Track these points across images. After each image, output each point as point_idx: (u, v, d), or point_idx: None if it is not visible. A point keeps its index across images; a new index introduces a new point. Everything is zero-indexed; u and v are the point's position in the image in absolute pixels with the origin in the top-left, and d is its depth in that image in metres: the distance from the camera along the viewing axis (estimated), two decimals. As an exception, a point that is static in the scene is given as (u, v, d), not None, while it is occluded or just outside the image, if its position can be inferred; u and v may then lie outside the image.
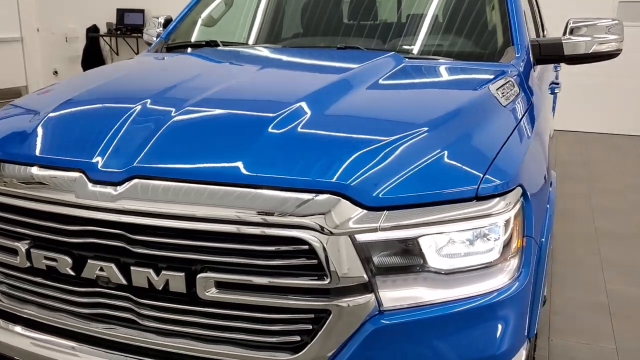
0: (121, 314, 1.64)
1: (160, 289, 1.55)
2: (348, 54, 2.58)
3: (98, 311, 1.66)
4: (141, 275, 1.55)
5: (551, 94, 3.34)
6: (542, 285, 1.85)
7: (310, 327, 1.52)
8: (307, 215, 1.46)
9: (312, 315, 1.51)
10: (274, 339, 1.55)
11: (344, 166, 1.53)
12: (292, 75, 2.37)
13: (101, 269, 1.58)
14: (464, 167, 1.61)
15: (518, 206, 1.65)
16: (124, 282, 1.57)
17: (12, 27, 9.62)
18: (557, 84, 3.54)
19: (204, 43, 2.86)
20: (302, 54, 2.68)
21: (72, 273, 1.63)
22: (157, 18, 3.41)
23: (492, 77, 2.27)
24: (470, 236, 1.58)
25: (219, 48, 2.76)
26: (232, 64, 2.46)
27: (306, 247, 1.46)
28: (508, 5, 2.71)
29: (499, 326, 1.62)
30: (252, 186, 1.50)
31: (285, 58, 2.59)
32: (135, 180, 1.55)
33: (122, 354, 1.66)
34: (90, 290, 1.65)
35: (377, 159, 1.57)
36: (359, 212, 1.48)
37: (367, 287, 1.50)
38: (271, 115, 1.72)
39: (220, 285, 1.53)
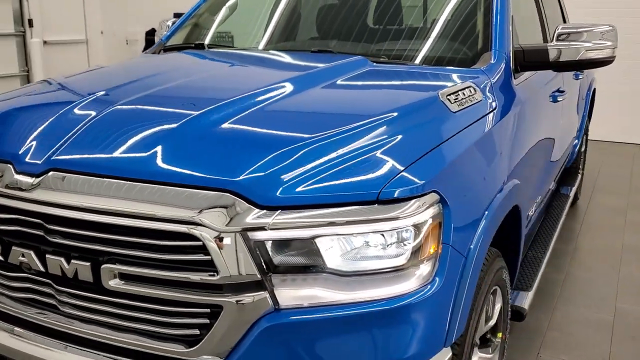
0: (46, 300, 1.74)
1: (71, 277, 1.63)
2: (317, 57, 2.61)
3: (29, 296, 1.77)
4: (55, 263, 1.64)
5: (553, 102, 3.23)
6: (470, 294, 1.81)
7: (208, 321, 1.56)
8: (200, 212, 1.50)
9: (209, 310, 1.56)
10: (175, 332, 1.60)
11: (240, 165, 1.56)
12: (242, 76, 2.42)
13: (22, 255, 1.68)
14: (369, 170, 1.61)
15: (432, 211, 1.63)
16: (42, 269, 1.67)
17: (78, 30, 10.14)
18: (562, 92, 3.41)
19: (192, 45, 2.96)
20: (272, 56, 2.73)
21: (2, 258, 1.75)
22: (167, 21, 3.55)
23: (449, 82, 2.24)
24: (373, 239, 1.57)
25: (201, 51, 2.85)
26: (194, 65, 2.54)
27: (199, 243, 1.50)
28: (493, 11, 2.66)
29: (404, 332, 1.61)
30: (153, 182, 1.57)
31: (250, 60, 2.65)
32: (51, 173, 1.65)
33: (53, 339, 1.76)
34: (20, 275, 1.76)
35: (278, 159, 1.59)
36: (251, 210, 1.51)
37: (261, 285, 1.53)
38: (191, 113, 1.78)
39: (124, 276, 1.60)
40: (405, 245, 1.60)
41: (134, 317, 1.62)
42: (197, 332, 1.58)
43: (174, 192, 1.54)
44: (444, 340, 1.72)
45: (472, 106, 2.13)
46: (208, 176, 1.55)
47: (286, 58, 2.67)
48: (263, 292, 1.53)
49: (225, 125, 1.75)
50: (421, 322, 1.63)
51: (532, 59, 2.64)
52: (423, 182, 1.62)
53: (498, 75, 2.45)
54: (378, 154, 1.66)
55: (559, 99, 3.27)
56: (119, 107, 1.88)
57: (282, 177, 1.55)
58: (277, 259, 1.54)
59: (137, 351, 1.64)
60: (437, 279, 1.65)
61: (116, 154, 1.65)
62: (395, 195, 1.57)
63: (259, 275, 1.52)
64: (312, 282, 1.56)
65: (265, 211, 1.51)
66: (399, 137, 1.76)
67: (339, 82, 2.19)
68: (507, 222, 2.41)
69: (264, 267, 1.52)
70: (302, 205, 1.53)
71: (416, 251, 1.61)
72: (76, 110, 1.85)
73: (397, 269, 1.60)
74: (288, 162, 1.59)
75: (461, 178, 1.81)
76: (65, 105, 1.89)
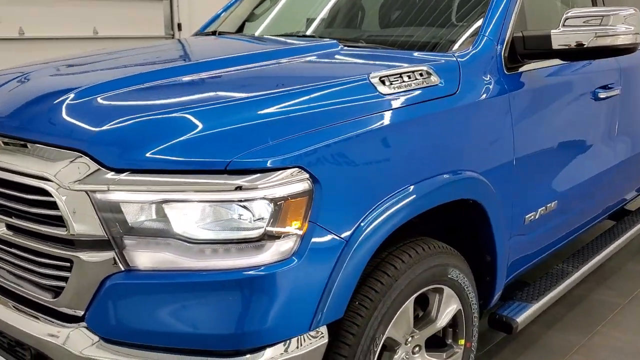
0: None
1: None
2: (292, 41, 2.62)
3: None
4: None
5: (594, 99, 2.88)
6: (352, 281, 1.71)
7: (69, 274, 1.65)
8: (54, 169, 1.60)
9: (68, 264, 1.65)
10: (46, 281, 1.72)
11: (94, 127, 1.65)
12: (190, 54, 2.52)
13: None
14: (226, 140, 1.60)
15: (294, 187, 1.58)
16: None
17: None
18: (610, 87, 3.02)
19: (210, 33, 3.10)
20: (250, 40, 2.79)
21: None
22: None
23: (398, 64, 2.12)
24: (222, 209, 1.56)
25: (201, 37, 2.99)
26: (165, 48, 2.69)
27: (52, 198, 1.60)
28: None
29: (251, 305, 1.57)
30: (22, 139, 1.74)
31: (227, 43, 2.74)
32: None
33: None
34: None
35: (134, 125, 1.66)
36: (100, 171, 1.57)
37: (109, 245, 1.58)
38: (87, 84, 1.89)
39: (8, 226, 1.75)
40: (259, 218, 1.56)
41: (16, 264, 1.78)
42: (62, 284, 1.67)
43: (38, 149, 1.66)
44: (308, 324, 1.65)
45: (416, 90, 2.00)
46: (65, 137, 1.65)
47: (262, 42, 2.71)
48: (111, 252, 1.58)
49: (109, 95, 1.83)
50: (272, 298, 1.58)
51: (533, 47, 2.39)
52: (282, 157, 1.57)
53: (476, 62, 2.26)
54: (244, 126, 1.64)
55: (601, 96, 2.90)
56: (31, 75, 2.08)
57: (134, 141, 1.60)
58: (129, 221, 1.58)
59: (20, 296, 1.79)
60: (295, 258, 1.59)
61: (11, 115, 1.83)
62: (244, 166, 1.54)
63: (106, 235, 1.57)
64: (164, 247, 1.59)
65: (112, 173, 1.57)
66: (285, 113, 1.72)
67: (283, 61, 2.18)
68: (470, 219, 2.24)
69: (114, 227, 1.57)
70: (152, 170, 1.57)
71: (273, 226, 1.57)
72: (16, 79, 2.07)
73: (249, 241, 1.57)
74: (143, 128, 1.63)
75: (353, 159, 1.72)
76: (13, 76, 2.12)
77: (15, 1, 7.14)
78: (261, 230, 1.57)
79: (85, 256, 1.59)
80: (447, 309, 2.16)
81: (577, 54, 2.37)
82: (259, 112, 1.72)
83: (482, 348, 2.64)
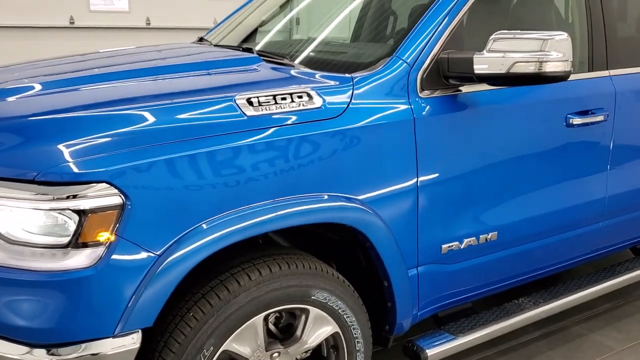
0: None
1: None
2: (220, 53, 2.76)
3: None
4: None
5: (566, 125, 2.64)
6: (162, 295, 1.81)
7: None
8: None
9: None
10: None
11: None
12: (119, 62, 2.71)
13: None
14: (43, 152, 1.76)
15: (101, 201, 1.71)
16: None
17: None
18: (592, 112, 2.73)
19: (198, 39, 3.30)
20: (200, 51, 2.90)
21: None
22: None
23: (279, 85, 2.15)
24: (31, 216, 1.72)
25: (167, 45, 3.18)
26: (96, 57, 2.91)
27: None
28: (423, 16, 2.38)
29: (53, 305, 1.73)
30: None
31: (163, 50, 2.89)
32: None
33: None
34: None
35: None
36: None
37: None
38: None
39: None
40: (66, 227, 1.72)
41: None
42: None
43: None
44: (113, 328, 1.78)
45: (288, 112, 2.03)
46: None
47: (204, 52, 2.84)
48: None
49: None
50: (75, 302, 1.73)
51: (457, 70, 2.29)
52: (91, 171, 1.71)
53: (376, 84, 2.22)
54: (69, 139, 1.79)
55: (575, 122, 2.66)
56: None
57: None
58: None
59: None
60: (98, 267, 1.73)
61: None
62: (52, 178, 1.70)
63: None
64: None
65: None
66: (119, 129, 1.84)
67: (174, 76, 2.32)
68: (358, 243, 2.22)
69: None
70: None
71: (79, 235, 1.72)
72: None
73: (57, 247, 1.73)
74: None
75: (174, 179, 1.80)
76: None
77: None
78: (68, 239, 1.72)
79: None
80: (318, 330, 2.17)
81: (500, 80, 2.23)
82: (93, 127, 1.84)
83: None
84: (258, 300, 1.99)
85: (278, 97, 2.05)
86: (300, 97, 2.08)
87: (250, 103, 2.01)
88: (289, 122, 2.02)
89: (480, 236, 2.51)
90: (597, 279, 3.09)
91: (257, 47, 2.80)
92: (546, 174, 2.67)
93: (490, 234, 2.54)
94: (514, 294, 2.95)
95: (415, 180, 2.25)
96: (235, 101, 2.00)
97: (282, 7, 3.53)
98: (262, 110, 2.01)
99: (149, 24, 8.07)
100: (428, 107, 2.28)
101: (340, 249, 2.40)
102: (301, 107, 2.06)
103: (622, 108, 2.84)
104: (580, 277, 3.14)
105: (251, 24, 3.37)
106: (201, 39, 3.27)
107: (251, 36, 3.26)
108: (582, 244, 2.97)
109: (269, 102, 2.03)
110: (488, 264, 2.59)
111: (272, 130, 1.98)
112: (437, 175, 2.31)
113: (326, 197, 2.06)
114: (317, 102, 2.10)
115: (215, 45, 3.04)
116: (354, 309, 2.22)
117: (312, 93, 2.11)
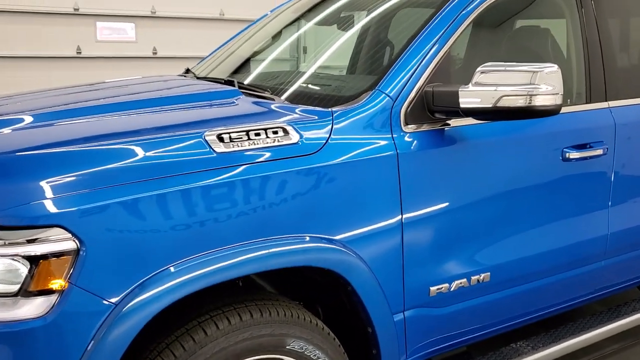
0: None
1: None
2: (197, 85, 2.66)
3: None
4: None
5: (562, 159, 2.51)
6: (117, 343, 1.68)
7: None
8: None
9: None
10: None
11: None
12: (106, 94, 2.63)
13: None
14: None
15: (55, 247, 1.62)
16: None
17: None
18: (590, 146, 2.61)
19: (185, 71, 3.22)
20: (168, 82, 2.82)
21: None
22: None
23: (256, 120, 2.05)
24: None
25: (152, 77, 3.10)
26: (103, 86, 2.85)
27: None
28: (407, 49, 2.28)
29: (4, 356, 1.63)
30: None
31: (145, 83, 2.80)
32: None
33: None
34: None
35: None
36: None
37: None
38: None
39: None
40: (15, 274, 1.61)
41: None
42: None
43: None
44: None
45: (261, 149, 1.93)
46: None
47: (188, 85, 2.75)
48: None
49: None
50: (26, 353, 1.62)
51: (442, 103, 2.18)
52: (44, 215, 1.61)
53: (357, 119, 2.11)
54: (24, 181, 1.69)
55: (572, 157, 2.53)
56: None
57: None
58: None
59: None
60: (51, 316, 1.62)
61: None
62: (0, 222, 1.60)
63: None
64: None
65: None
66: (80, 169, 1.74)
67: (146, 110, 2.23)
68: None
69: None
70: None
71: (30, 283, 1.61)
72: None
73: (6, 296, 1.63)
74: None
75: (134, 223, 1.69)
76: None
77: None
78: (18, 286, 1.61)
79: None
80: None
81: (487, 114, 2.12)
82: (50, 166, 1.74)
83: None
84: (227, 351, 1.86)
85: (251, 133, 1.95)
86: (275, 132, 1.98)
87: (221, 139, 1.91)
88: (262, 159, 1.92)
89: (472, 277, 2.37)
90: (602, 320, 2.93)
91: (243, 80, 2.71)
92: (542, 210, 2.53)
93: (483, 274, 2.40)
94: (511, 337, 2.78)
95: (399, 219, 2.13)
96: (204, 137, 1.90)
97: (275, 37, 3.46)
98: (233, 147, 1.91)
99: (156, 53, 8.07)
100: (413, 142, 2.17)
101: (325, 292, 2.27)
102: (276, 143, 1.96)
103: (622, 141, 2.71)
104: (584, 318, 2.97)
105: (241, 55, 3.29)
106: (188, 71, 3.18)
107: (242, 68, 3.17)
108: (583, 284, 2.81)
109: (241, 138, 1.93)
110: (481, 306, 2.44)
111: (243, 167, 1.88)
112: (422, 213, 2.18)
113: (304, 238, 1.95)
114: (294, 137, 1.99)
115: (198, 78, 2.95)
116: (334, 358, 2.08)
117: (289, 128, 2.00)
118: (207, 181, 1.81)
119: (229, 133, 1.93)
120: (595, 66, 2.69)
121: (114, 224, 1.68)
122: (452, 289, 2.32)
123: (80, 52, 7.58)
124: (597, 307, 3.26)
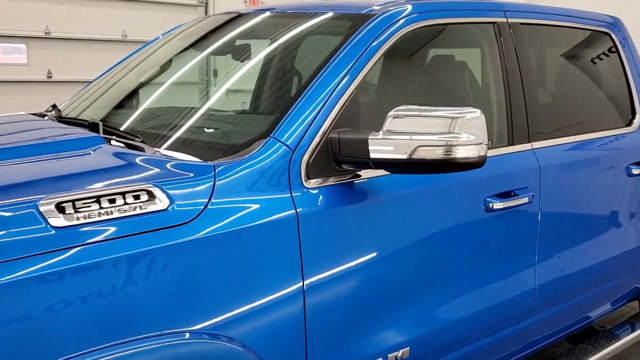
0: None
1: None
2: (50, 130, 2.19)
3: None
4: None
5: (485, 210, 2.21)
6: None
7: None
8: None
9: None
10: None
11: None
12: None
13: None
14: None
15: None
16: None
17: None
18: (514, 194, 2.32)
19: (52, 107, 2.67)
20: (13, 126, 2.32)
21: None
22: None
23: (100, 179, 1.63)
24: None
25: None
26: None
27: None
28: (311, 85, 1.92)
29: None
30: None
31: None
32: None
33: None
34: None
35: None
36: None
37: None
38: None
39: None
40: None
41: None
42: None
43: None
44: None
45: (117, 219, 1.49)
46: None
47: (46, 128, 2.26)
48: None
49: None
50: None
51: (349, 153, 1.82)
52: None
53: (246, 174, 1.72)
54: None
55: (495, 207, 2.23)
56: None
57: None
58: None
59: None
60: None
61: None
62: None
63: None
64: None
65: None
66: None
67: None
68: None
69: None
70: None
71: None
72: None
73: None
74: None
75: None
76: None
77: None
78: None
79: None
80: None
81: (401, 167, 1.77)
82: None
83: None
84: None
85: (104, 199, 1.51)
86: (136, 196, 1.55)
87: (61, 209, 1.46)
88: (117, 235, 1.48)
89: (389, 355, 2.01)
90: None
91: (120, 122, 2.25)
92: (465, 269, 2.22)
93: (402, 350, 2.04)
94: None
95: (301, 298, 1.74)
96: (38, 208, 1.44)
97: (163, 67, 2.99)
98: (77, 220, 1.46)
99: (51, 76, 7.39)
100: (317, 199, 1.80)
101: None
102: (137, 212, 1.53)
103: (548, 186, 2.45)
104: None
105: (125, 87, 2.80)
106: (54, 107, 2.63)
107: (125, 102, 2.68)
108: (511, 343, 2.52)
109: (89, 206, 1.49)
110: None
111: (89, 247, 1.43)
112: (329, 285, 1.81)
113: (185, 334, 1.52)
114: (162, 202, 1.57)
115: (59, 119, 2.43)
116: None
117: (155, 190, 1.58)
118: (36, 268, 1.35)
119: (72, 201, 1.48)
120: (517, 104, 2.42)
121: None
122: (368, 371, 1.95)
123: (-35, 76, 6.82)
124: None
